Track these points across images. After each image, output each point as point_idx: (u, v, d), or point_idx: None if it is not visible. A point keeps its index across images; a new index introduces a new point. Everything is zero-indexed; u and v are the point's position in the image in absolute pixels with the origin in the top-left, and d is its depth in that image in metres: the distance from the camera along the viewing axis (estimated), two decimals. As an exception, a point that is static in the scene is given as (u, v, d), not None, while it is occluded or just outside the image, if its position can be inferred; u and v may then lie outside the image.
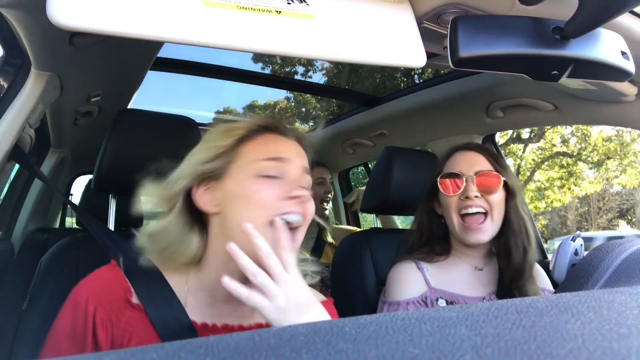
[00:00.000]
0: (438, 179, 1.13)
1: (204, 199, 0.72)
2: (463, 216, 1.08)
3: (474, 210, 1.06)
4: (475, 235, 1.06)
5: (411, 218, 1.75)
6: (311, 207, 0.72)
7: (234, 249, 0.63)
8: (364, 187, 2.19)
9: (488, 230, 1.07)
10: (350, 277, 1.41)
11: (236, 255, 0.63)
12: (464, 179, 1.09)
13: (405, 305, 1.09)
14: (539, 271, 1.16)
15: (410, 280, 1.11)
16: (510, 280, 1.06)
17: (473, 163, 1.10)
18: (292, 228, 0.70)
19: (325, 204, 2.10)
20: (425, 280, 1.10)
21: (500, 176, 1.09)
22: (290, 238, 0.68)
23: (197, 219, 0.73)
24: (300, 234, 0.72)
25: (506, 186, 1.10)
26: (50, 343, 0.70)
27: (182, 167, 0.73)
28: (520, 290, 1.05)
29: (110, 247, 0.79)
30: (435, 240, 1.16)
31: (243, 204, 0.69)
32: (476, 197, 1.06)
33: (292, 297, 0.62)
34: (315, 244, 2.06)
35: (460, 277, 1.12)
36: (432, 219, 1.18)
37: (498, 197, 1.08)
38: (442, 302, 1.08)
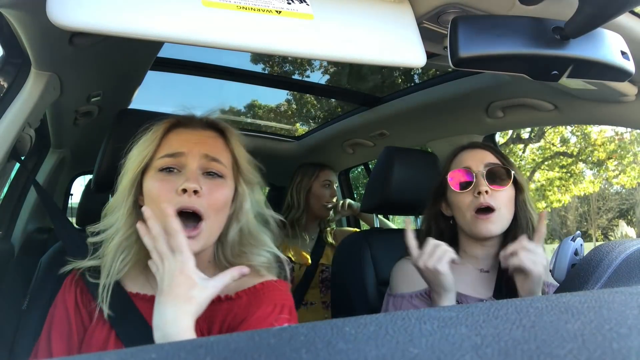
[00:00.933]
0: (447, 176, 1.11)
1: (142, 200, 0.80)
2: (475, 212, 1.07)
3: (486, 206, 1.05)
4: (486, 225, 1.05)
5: (411, 218, 1.75)
6: (213, 196, 0.75)
7: (140, 227, 0.71)
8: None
9: (498, 221, 1.06)
10: (351, 277, 1.41)
11: (140, 232, 0.71)
12: (474, 174, 1.07)
13: (409, 298, 1.09)
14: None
15: (415, 274, 1.11)
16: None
17: (481, 158, 1.09)
18: (196, 218, 0.74)
19: (329, 206, 2.08)
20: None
21: (511, 170, 1.08)
22: (184, 226, 0.71)
23: None
24: (205, 225, 0.74)
25: (515, 181, 1.09)
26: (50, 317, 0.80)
27: (122, 183, 0.82)
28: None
29: (73, 251, 0.87)
30: (445, 242, 1.15)
31: (150, 202, 0.76)
32: (486, 192, 1.05)
33: (159, 278, 0.68)
34: (315, 244, 2.05)
35: (464, 279, 1.11)
36: (440, 222, 1.17)
37: (508, 193, 1.07)
38: None
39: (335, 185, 2.14)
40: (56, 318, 0.80)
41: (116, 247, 0.79)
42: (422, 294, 1.09)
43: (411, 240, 1.00)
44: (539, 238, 1.00)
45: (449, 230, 1.16)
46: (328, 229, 2.13)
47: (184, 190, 0.72)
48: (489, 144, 1.15)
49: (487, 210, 1.05)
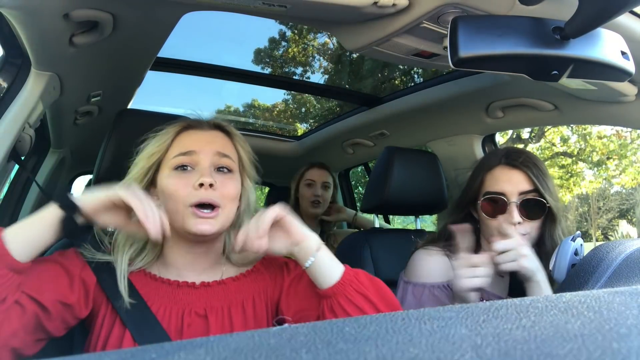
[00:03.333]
0: (480, 201, 1.09)
1: (154, 193, 0.87)
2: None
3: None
4: None
5: (411, 218, 1.75)
6: (226, 188, 0.83)
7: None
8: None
9: (526, 242, 1.04)
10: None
11: None
12: (508, 204, 1.05)
13: (431, 288, 1.08)
14: None
15: (437, 265, 1.10)
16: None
17: (517, 182, 1.06)
18: (212, 206, 0.82)
19: (316, 205, 2.07)
20: (453, 268, 1.09)
21: (545, 202, 1.05)
22: (203, 211, 0.81)
23: None
24: (221, 211, 0.83)
25: (549, 210, 1.06)
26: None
27: (129, 177, 0.87)
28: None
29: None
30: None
31: (166, 195, 0.83)
32: (519, 223, 1.04)
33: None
34: None
35: None
36: (471, 221, 1.14)
37: (539, 222, 1.06)
38: None
39: (327, 185, 2.11)
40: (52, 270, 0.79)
41: (124, 239, 0.85)
42: (445, 285, 1.09)
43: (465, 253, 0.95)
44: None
45: (475, 233, 1.14)
46: (330, 232, 2.12)
47: (201, 185, 0.80)
48: (527, 163, 1.08)
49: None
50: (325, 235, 2.08)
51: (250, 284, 0.89)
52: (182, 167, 0.84)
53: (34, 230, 0.72)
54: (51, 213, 0.72)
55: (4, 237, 0.69)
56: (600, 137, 10.23)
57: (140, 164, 0.87)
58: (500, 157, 1.11)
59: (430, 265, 1.12)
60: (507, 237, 1.00)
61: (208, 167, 0.84)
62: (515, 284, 1.11)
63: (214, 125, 0.92)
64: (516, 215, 1.04)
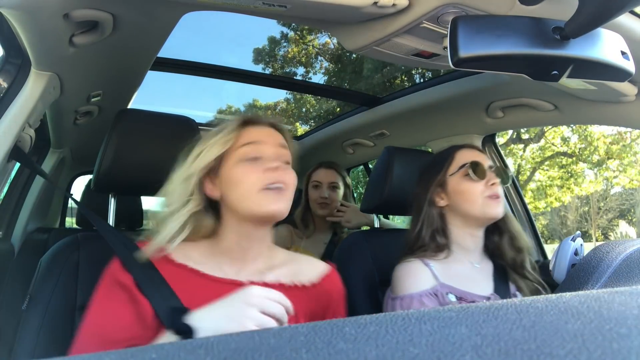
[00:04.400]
0: (467, 165, 1.17)
1: (210, 188, 0.90)
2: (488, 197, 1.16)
3: (496, 195, 1.16)
4: (497, 208, 1.14)
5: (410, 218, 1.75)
6: (289, 175, 0.89)
7: None
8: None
9: (502, 207, 1.16)
10: (351, 277, 1.41)
11: None
12: (486, 169, 1.17)
13: (419, 297, 1.09)
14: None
15: (419, 274, 1.11)
16: (507, 274, 1.15)
17: (485, 158, 1.20)
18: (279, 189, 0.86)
19: (323, 206, 2.04)
20: (434, 275, 1.11)
21: (506, 171, 1.22)
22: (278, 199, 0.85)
23: (208, 203, 0.91)
24: (288, 193, 0.88)
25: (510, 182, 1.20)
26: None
27: (192, 166, 0.89)
28: (516, 283, 1.14)
29: (115, 243, 0.89)
30: (437, 234, 1.18)
31: (233, 183, 0.87)
32: (495, 184, 1.16)
33: None
34: (326, 248, 2.01)
35: (463, 272, 1.13)
36: (435, 211, 1.20)
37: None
38: (451, 297, 1.08)
39: (334, 185, 2.07)
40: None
41: (171, 223, 0.85)
42: (430, 293, 1.09)
43: None
44: None
45: (444, 221, 1.20)
46: (342, 234, 2.07)
47: (270, 169, 0.86)
48: (479, 147, 1.22)
49: (497, 197, 1.15)
50: (337, 237, 2.04)
51: (304, 299, 0.88)
52: (250, 159, 0.88)
53: None
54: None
55: None
56: (607, 144, 10.24)
57: (206, 156, 0.89)
58: (459, 145, 1.25)
59: (413, 274, 1.12)
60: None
61: (273, 155, 0.89)
62: (498, 280, 1.13)
63: (269, 122, 0.97)
64: (494, 177, 1.16)
